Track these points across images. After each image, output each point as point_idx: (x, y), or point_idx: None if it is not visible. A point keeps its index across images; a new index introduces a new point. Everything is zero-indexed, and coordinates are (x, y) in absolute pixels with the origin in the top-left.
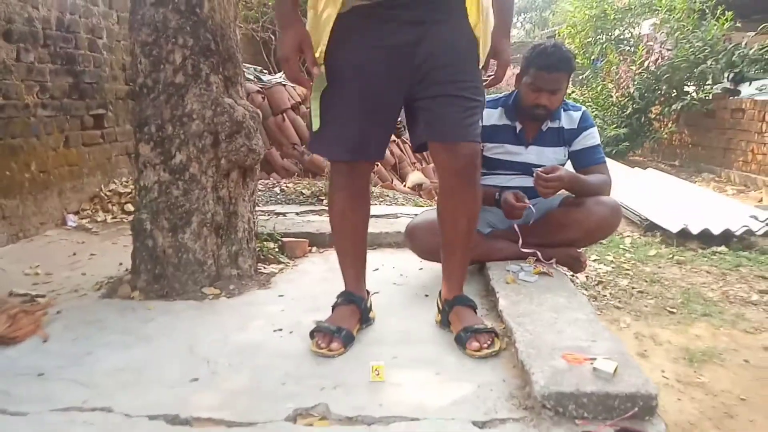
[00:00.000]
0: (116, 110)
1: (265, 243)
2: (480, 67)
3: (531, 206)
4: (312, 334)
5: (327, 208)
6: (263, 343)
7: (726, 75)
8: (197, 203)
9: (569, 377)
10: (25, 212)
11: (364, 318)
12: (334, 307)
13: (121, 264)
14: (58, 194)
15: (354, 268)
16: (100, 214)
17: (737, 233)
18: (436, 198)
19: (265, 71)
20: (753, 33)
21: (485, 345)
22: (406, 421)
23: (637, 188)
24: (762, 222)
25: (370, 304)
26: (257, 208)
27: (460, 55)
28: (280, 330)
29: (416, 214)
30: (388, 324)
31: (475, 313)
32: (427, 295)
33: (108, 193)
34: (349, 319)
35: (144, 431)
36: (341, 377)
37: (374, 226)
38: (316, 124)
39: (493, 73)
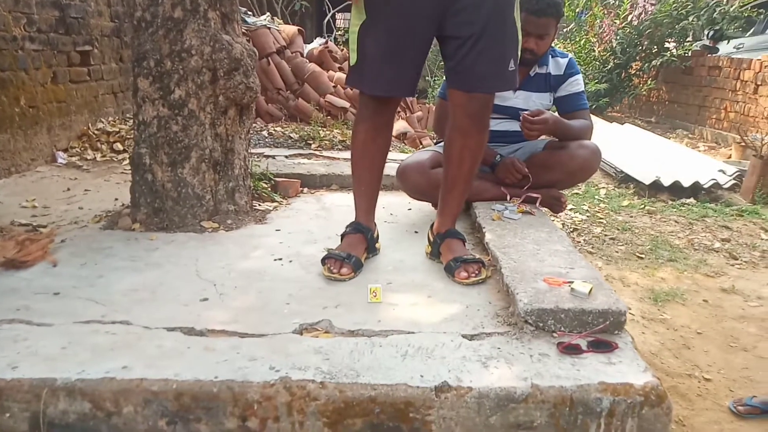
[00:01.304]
0: (102, 47)
1: (259, 182)
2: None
3: (530, 175)
4: (324, 261)
5: (316, 152)
6: (265, 270)
7: (706, 32)
8: (196, 139)
9: (549, 296)
10: (16, 147)
11: (371, 248)
12: (343, 236)
13: (116, 199)
14: (47, 130)
15: (366, 199)
16: (89, 153)
17: (705, 186)
18: (420, 146)
19: (249, 12)
20: None
21: (473, 274)
22: (403, 334)
23: (614, 142)
24: (729, 176)
25: (377, 236)
26: None
27: None
28: (280, 259)
29: (401, 160)
30: (382, 256)
31: (465, 245)
32: (416, 232)
33: (96, 132)
34: (357, 247)
35: (163, 340)
36: (341, 299)
37: None
38: (353, 58)
39: None
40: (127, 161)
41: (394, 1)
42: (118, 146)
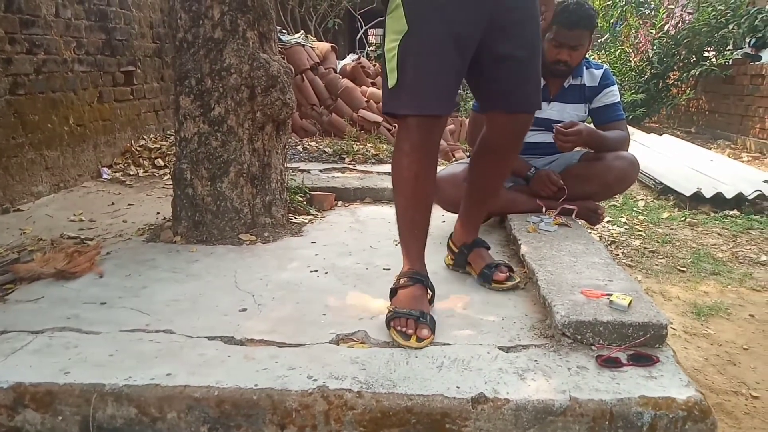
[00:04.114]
0: (144, 67)
1: (294, 196)
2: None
3: (565, 187)
4: (390, 322)
5: (350, 166)
6: (302, 281)
7: (747, 40)
8: (234, 154)
9: (587, 309)
10: (65, 164)
11: (432, 298)
12: (397, 289)
13: (158, 213)
14: (93, 147)
15: (420, 241)
16: (132, 168)
17: (750, 197)
18: (453, 159)
19: (284, 31)
20: None
21: (508, 276)
22: (439, 345)
23: (652, 153)
24: None
25: (431, 284)
26: None
27: (534, 10)
28: (316, 271)
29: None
30: None
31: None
32: None
33: (138, 149)
34: (423, 301)
35: (205, 349)
36: (377, 311)
37: None
38: (393, 79)
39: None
40: (168, 176)
41: (441, 6)
42: (160, 162)
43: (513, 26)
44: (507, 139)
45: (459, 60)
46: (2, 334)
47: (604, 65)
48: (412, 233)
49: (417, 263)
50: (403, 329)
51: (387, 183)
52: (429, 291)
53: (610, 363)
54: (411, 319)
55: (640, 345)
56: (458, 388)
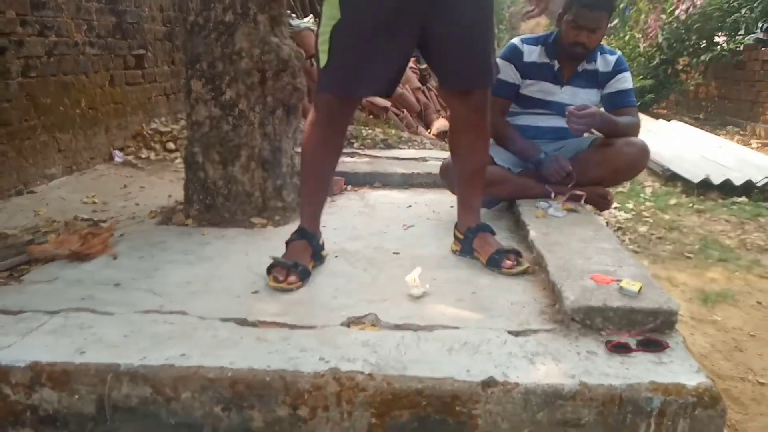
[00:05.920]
0: (155, 51)
1: None
2: None
3: (573, 173)
4: (269, 270)
5: (359, 150)
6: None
7: (760, 25)
8: (246, 138)
9: (597, 294)
10: (77, 146)
11: (317, 256)
12: (288, 243)
13: (170, 196)
14: (105, 131)
15: (313, 205)
16: (144, 152)
17: (759, 184)
18: None
19: (293, 15)
20: None
21: (517, 263)
22: (449, 329)
23: (661, 139)
24: None
25: (323, 243)
26: None
27: None
28: (327, 254)
29: (444, 158)
30: (425, 252)
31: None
32: None
33: (150, 132)
34: (302, 255)
35: (218, 330)
36: (387, 294)
37: (406, 168)
38: (324, 60)
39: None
40: (179, 159)
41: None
42: (171, 145)
43: (452, 6)
44: (472, 113)
45: (393, 46)
46: (19, 314)
47: (618, 51)
48: (307, 196)
49: (306, 222)
50: (277, 275)
51: (396, 167)
52: (312, 247)
53: (619, 348)
54: (284, 268)
55: (650, 331)
56: (468, 371)
